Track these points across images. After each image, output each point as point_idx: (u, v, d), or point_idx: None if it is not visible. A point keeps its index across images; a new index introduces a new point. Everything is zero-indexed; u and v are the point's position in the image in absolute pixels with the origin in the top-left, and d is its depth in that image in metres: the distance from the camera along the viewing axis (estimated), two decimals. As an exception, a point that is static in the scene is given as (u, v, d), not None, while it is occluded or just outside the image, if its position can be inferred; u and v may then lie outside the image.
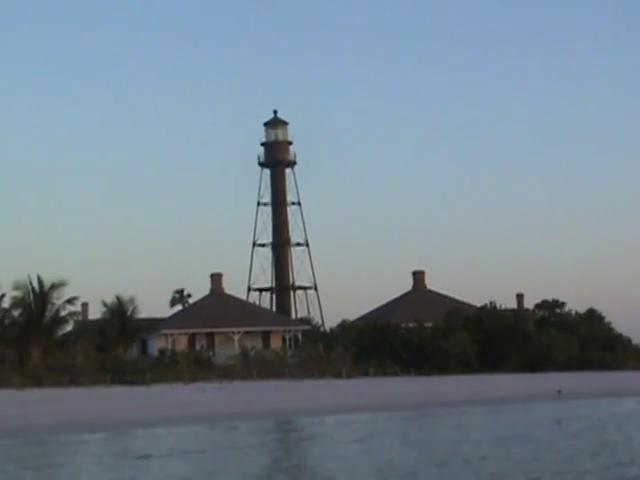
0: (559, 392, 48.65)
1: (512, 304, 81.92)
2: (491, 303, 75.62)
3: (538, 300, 77.59)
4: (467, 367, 67.68)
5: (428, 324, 73.26)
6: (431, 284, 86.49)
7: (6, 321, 64.87)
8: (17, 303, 64.25)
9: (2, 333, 63.51)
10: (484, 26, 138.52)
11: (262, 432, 33.85)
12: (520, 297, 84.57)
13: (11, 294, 64.07)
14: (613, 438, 26.62)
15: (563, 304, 76.40)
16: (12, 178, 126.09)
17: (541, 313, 76.65)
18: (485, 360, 68.63)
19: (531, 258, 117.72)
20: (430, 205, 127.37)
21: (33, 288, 64.05)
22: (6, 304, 64.56)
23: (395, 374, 65.75)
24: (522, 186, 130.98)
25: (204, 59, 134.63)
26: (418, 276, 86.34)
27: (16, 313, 65.15)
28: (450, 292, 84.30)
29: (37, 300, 63.89)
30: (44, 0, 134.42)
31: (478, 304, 77.12)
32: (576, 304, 78.41)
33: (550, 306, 76.27)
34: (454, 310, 74.80)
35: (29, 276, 64.24)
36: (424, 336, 71.47)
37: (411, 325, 73.67)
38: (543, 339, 70.15)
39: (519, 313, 77.51)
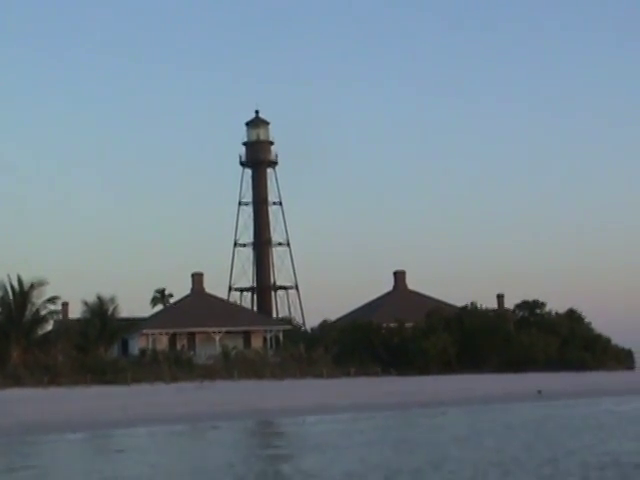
0: (539, 392, 48.80)
1: (493, 304, 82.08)
2: (472, 303, 75.73)
3: (518, 300, 77.80)
4: (448, 367, 67.79)
5: (409, 324, 73.28)
6: (412, 284, 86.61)
7: (-14, 321, 64.52)
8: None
9: (-18, 333, 63.18)
10: (477, 25, 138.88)
11: (243, 431, 33.86)
12: (500, 297, 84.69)
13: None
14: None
15: (543, 304, 76.58)
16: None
17: (521, 313, 76.79)
18: (466, 360, 68.76)
19: (511, 259, 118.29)
20: (411, 205, 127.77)
21: (13, 287, 63.75)
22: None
23: (376, 374, 65.80)
24: (503, 187, 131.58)
25: (185, 58, 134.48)
26: (399, 276, 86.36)
27: (-4, 313, 64.81)
28: (431, 292, 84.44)
29: (17, 299, 63.58)
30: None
31: (459, 304, 77.24)
32: (556, 304, 78.76)
33: (530, 306, 76.44)
34: (435, 310, 74.85)
35: (9, 276, 64.01)
36: (405, 336, 71.53)
37: (392, 325, 73.70)
38: (523, 339, 70.33)
39: (500, 313, 77.66)
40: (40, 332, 65.73)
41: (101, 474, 22.07)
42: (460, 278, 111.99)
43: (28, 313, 63.91)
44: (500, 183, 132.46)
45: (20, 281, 63.81)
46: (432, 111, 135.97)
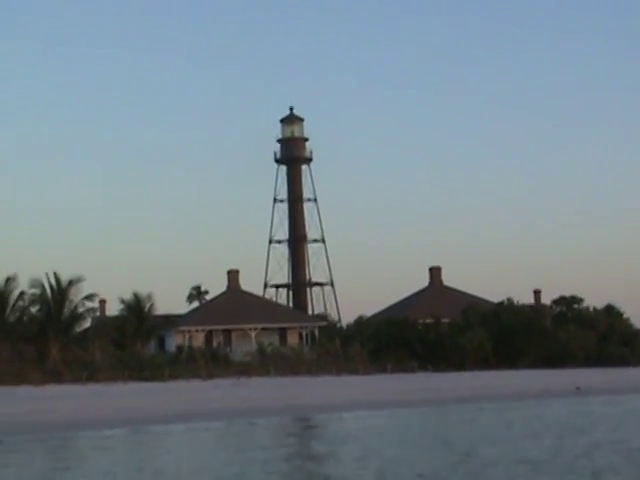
0: (577, 388, 48.46)
1: (529, 300, 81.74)
2: (508, 299, 75.41)
3: (555, 296, 77.41)
4: (484, 363, 67.52)
5: (445, 320, 73.15)
6: (448, 280, 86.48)
7: (25, 318, 65.09)
8: (36, 300, 64.48)
9: (21, 330, 63.75)
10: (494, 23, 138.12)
11: (279, 428, 33.91)
12: (537, 293, 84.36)
13: (30, 292, 64.30)
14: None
15: (581, 300, 76.13)
16: (27, 175, 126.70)
17: (559, 309, 76.38)
18: (502, 356, 68.46)
19: (548, 254, 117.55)
20: (447, 201, 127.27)
21: (51, 285, 64.25)
22: (24, 302, 64.68)
23: (412, 370, 65.67)
24: (540, 181, 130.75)
25: (220, 55, 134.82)
26: (435, 272, 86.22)
27: (34, 310, 65.39)
28: (467, 288, 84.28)
29: (55, 297, 64.09)
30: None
31: (495, 300, 76.94)
32: (594, 300, 78.33)
33: (568, 302, 75.99)
34: (471, 306, 74.62)
35: (46, 273, 64.51)
36: (441, 332, 71.38)
37: (428, 321, 73.57)
38: (561, 335, 69.94)
39: (537, 309, 77.29)
40: (78, 329, 66.31)
41: (141, 470, 22.19)
42: (496, 274, 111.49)
43: (66, 310, 64.43)
44: (536, 178, 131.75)
45: (58, 279, 64.31)
46: (464, 104, 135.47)
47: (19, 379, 55.79)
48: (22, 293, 63.84)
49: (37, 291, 64.30)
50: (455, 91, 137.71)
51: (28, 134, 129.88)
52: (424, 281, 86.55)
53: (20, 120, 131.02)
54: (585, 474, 19.09)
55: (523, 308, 75.38)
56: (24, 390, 51.91)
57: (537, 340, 69.88)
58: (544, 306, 78.94)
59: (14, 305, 63.73)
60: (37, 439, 30.13)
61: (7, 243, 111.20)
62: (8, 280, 63.13)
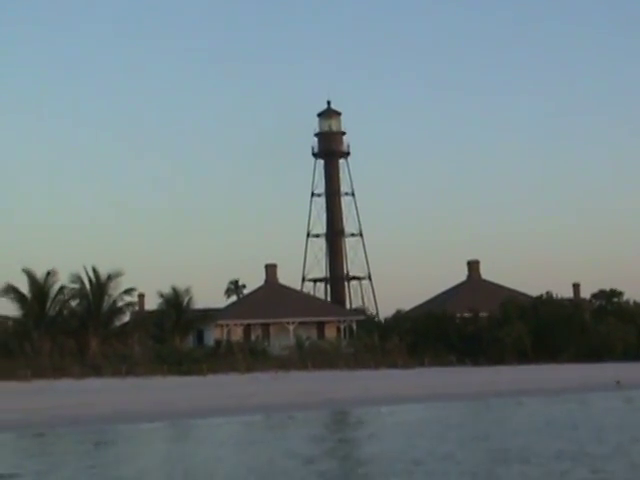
0: (617, 382, 48.12)
1: (568, 294, 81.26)
2: (547, 293, 75.02)
3: (595, 290, 76.85)
4: (523, 357, 67.23)
5: (483, 314, 72.89)
6: (486, 274, 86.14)
7: (65, 312, 65.64)
8: (75, 294, 64.97)
9: (61, 324, 64.31)
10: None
11: (318, 422, 33.96)
12: (576, 287, 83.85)
13: (70, 286, 64.74)
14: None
15: (621, 293, 75.51)
16: (67, 170, 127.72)
17: (598, 303, 75.84)
18: (541, 350, 68.11)
19: (587, 247, 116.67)
20: (484, 194, 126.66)
21: (90, 279, 64.69)
22: (64, 296, 65.16)
23: (451, 364, 65.53)
24: (579, 173, 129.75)
25: (257, 49, 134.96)
26: (473, 265, 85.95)
27: (74, 304, 65.89)
28: (505, 282, 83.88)
29: (95, 291, 64.53)
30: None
31: (534, 294, 76.56)
32: (634, 293, 77.60)
33: (607, 295, 75.41)
34: (510, 300, 74.29)
35: (85, 268, 64.94)
36: (479, 326, 71.15)
37: (466, 315, 73.36)
38: (600, 328, 69.45)
39: (576, 302, 76.80)
40: (117, 323, 66.70)
41: (180, 463, 22.31)
42: (535, 267, 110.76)
43: (106, 304, 64.82)
44: (575, 170, 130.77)
45: (97, 273, 64.77)
46: (504, 98, 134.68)
47: (60, 372, 56.28)
48: (62, 287, 64.30)
49: (77, 285, 64.79)
50: (495, 85, 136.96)
51: (69, 133, 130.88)
52: (462, 275, 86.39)
53: (62, 123, 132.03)
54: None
55: (562, 302, 74.92)
56: (65, 383, 52.38)
57: (576, 334, 69.44)
58: (583, 300, 78.41)
59: (54, 299, 64.24)
60: (78, 432, 30.41)
61: (47, 238, 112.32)
62: (48, 274, 63.63)
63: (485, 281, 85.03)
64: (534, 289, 77.13)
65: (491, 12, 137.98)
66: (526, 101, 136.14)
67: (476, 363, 66.26)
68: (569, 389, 45.22)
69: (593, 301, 76.39)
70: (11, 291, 62.88)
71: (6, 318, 63.75)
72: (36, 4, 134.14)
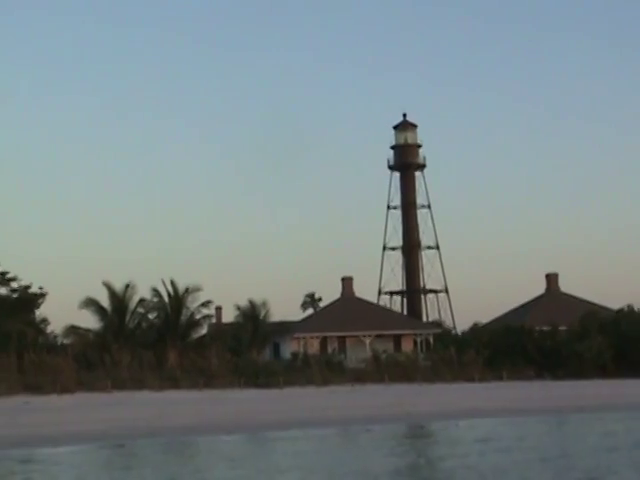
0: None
1: (651, 307, 79.63)
2: (629, 306, 73.71)
3: (679, 303, 75.10)
4: (603, 371, 66.08)
5: (562, 328, 71.90)
6: (565, 287, 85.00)
7: (144, 324, 66.36)
8: (154, 307, 65.64)
9: (140, 336, 65.03)
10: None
11: (396, 435, 33.78)
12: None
13: (148, 298, 65.38)
14: None
15: None
16: (146, 185, 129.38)
17: (681, 316, 74.15)
18: (622, 365, 66.85)
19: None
20: (563, 206, 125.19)
21: (168, 292, 65.30)
22: (143, 308, 65.86)
23: (529, 378, 64.72)
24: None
25: (335, 62, 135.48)
26: (551, 278, 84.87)
27: (152, 317, 66.54)
28: (585, 295, 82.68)
29: (172, 304, 65.10)
30: None
31: (615, 307, 75.32)
32: None
33: (692, 309, 73.75)
34: (589, 313, 73.16)
35: (163, 280, 65.56)
36: (558, 339, 70.16)
37: (545, 328, 72.42)
38: (685, 343, 67.88)
39: (658, 316, 75.22)
40: (195, 336, 67.15)
41: (262, 476, 22.38)
42: (616, 280, 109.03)
43: (183, 317, 65.35)
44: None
45: (175, 286, 65.35)
46: (579, 110, 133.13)
47: (139, 384, 56.92)
48: (141, 300, 64.98)
49: (155, 298, 65.43)
50: (573, 94, 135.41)
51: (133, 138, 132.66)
52: (540, 288, 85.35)
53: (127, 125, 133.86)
54: None
55: (644, 315, 73.45)
56: (144, 395, 52.98)
57: (659, 348, 67.98)
58: (666, 313, 76.78)
59: (133, 312, 64.97)
60: (157, 443, 30.70)
61: (126, 250, 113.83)
62: (127, 287, 64.37)
63: (564, 294, 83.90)
64: (615, 302, 75.98)
65: (576, 27, 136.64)
66: (605, 112, 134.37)
67: (555, 377, 65.35)
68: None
69: (677, 315, 74.71)
70: (91, 304, 63.78)
71: (87, 330, 64.68)
72: None
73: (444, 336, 77.69)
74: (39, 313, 67.57)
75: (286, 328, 71.88)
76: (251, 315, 69.02)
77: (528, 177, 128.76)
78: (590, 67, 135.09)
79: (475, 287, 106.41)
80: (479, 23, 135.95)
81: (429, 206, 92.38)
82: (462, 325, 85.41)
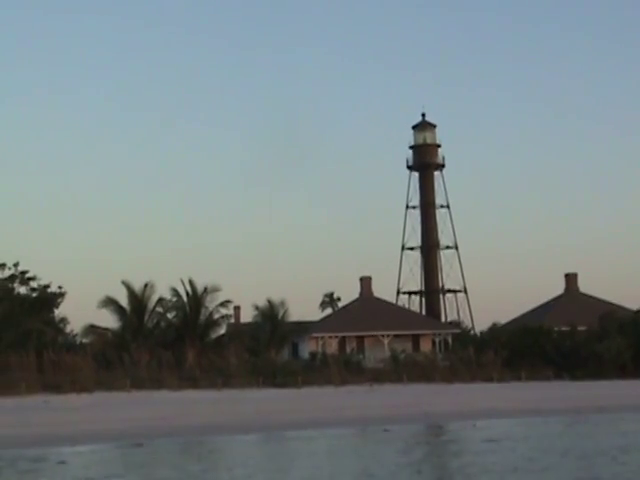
0: None
1: (671, 307, 79.22)
2: (648, 307, 73.39)
3: (698, 304, 74.74)
4: (622, 372, 65.82)
5: (581, 328, 71.64)
6: (584, 287, 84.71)
7: (162, 324, 66.51)
8: (172, 306, 65.77)
9: (159, 335, 65.19)
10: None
11: (414, 435, 33.74)
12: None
13: (167, 298, 65.53)
14: None
15: None
16: (165, 186, 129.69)
17: (701, 317, 73.74)
18: (642, 365, 66.57)
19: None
20: (582, 206, 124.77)
21: (187, 292, 65.41)
22: (162, 308, 66.00)
23: (548, 378, 64.54)
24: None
25: (353, 62, 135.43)
26: (570, 278, 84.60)
27: (171, 316, 66.70)
28: (604, 295, 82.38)
29: (191, 303, 65.22)
30: None
31: (634, 307, 75.02)
32: None
33: None
34: (609, 313, 72.91)
35: (182, 280, 65.69)
36: (577, 340, 69.91)
37: (564, 329, 72.18)
38: None
39: (678, 316, 74.81)
40: (213, 335, 67.25)
41: (276, 474, 22.41)
42: (635, 281, 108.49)
43: (202, 317, 65.46)
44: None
45: (193, 285, 65.45)
46: (601, 109, 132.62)
47: (157, 384, 57.05)
48: (160, 300, 65.14)
49: (174, 298, 65.57)
50: (591, 96, 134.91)
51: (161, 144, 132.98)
52: (559, 288, 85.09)
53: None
54: None
55: (664, 316, 73.09)
56: (162, 394, 53.11)
57: (679, 349, 67.64)
58: (685, 314, 76.34)
59: (152, 311, 65.14)
60: (175, 442, 30.78)
61: (145, 250, 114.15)
62: (146, 287, 64.55)
63: (583, 294, 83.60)
64: (634, 303, 75.67)
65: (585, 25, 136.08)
66: (616, 111, 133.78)
67: (574, 378, 65.13)
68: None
69: (696, 315, 74.31)
70: (110, 303, 63.99)
71: (106, 329, 64.89)
72: None
73: (463, 336, 77.56)
74: (58, 312, 67.95)
75: (304, 328, 71.93)
76: (270, 315, 69.08)
77: (547, 176, 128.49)
78: (600, 65, 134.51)
79: (494, 287, 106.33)
80: (499, 22, 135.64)
81: (448, 206, 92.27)
82: (481, 325, 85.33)
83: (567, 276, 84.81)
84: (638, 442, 27.99)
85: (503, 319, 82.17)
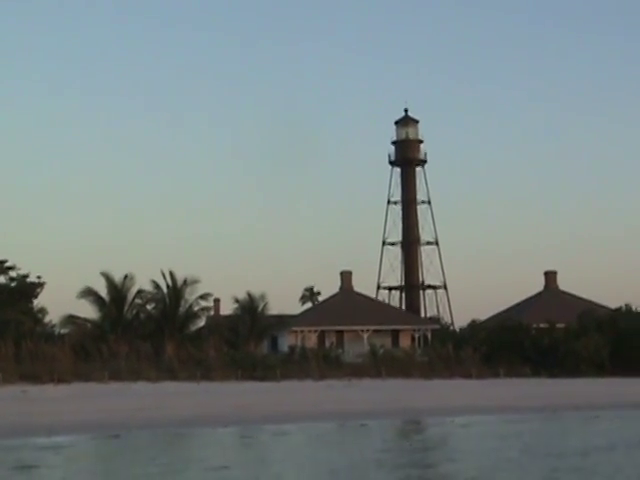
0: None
1: (648, 306, 79.61)
2: (626, 305, 73.74)
3: (677, 302, 75.13)
4: (600, 370, 66.12)
5: (560, 325, 71.92)
6: (563, 284, 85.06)
7: (142, 316, 66.34)
8: (152, 298, 65.63)
9: (138, 327, 65.02)
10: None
11: (391, 430, 33.82)
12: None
13: (147, 290, 65.37)
14: None
15: None
16: (146, 177, 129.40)
17: (680, 315, 74.12)
18: (619, 363, 66.85)
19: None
20: (562, 204, 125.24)
21: (167, 284, 65.27)
22: (141, 300, 65.80)
23: (526, 375, 64.77)
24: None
25: (333, 58, 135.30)
26: (550, 276, 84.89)
27: (150, 308, 66.52)
28: (583, 293, 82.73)
29: (171, 295, 65.08)
30: None
31: (613, 306, 75.36)
32: None
33: (690, 308, 73.75)
34: (587, 311, 73.21)
35: (162, 272, 65.56)
36: (556, 337, 70.18)
37: (542, 326, 72.44)
38: (682, 342, 67.86)
39: (656, 315, 75.19)
40: (193, 328, 67.13)
41: (250, 468, 22.41)
42: (614, 279, 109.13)
43: (181, 309, 65.35)
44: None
45: (174, 277, 65.33)
46: (581, 106, 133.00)
47: (135, 375, 56.91)
48: (140, 291, 64.97)
49: (153, 290, 65.40)
50: (572, 94, 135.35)
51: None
52: (539, 285, 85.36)
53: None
54: None
55: (642, 314, 73.45)
56: (140, 386, 53.00)
57: (656, 347, 67.98)
58: (664, 312, 76.74)
59: (131, 303, 64.97)
60: (153, 434, 30.74)
61: (125, 241, 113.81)
62: (126, 278, 64.36)
63: (562, 292, 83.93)
64: (613, 301, 76.05)
65: (581, 23, 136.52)
66: (596, 111, 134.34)
67: (551, 375, 65.39)
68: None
69: (674, 314, 74.70)
70: (89, 294, 63.78)
71: (85, 320, 64.68)
72: None
73: (442, 332, 77.74)
74: (37, 302, 67.63)
75: (284, 321, 71.89)
76: (249, 308, 69.01)
77: (528, 175, 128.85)
78: (587, 62, 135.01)
79: (474, 284, 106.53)
80: (482, 18, 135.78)
81: (429, 202, 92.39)
82: (460, 321, 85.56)
83: (547, 274, 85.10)
84: (605, 442, 28.10)
85: (482, 316, 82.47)
